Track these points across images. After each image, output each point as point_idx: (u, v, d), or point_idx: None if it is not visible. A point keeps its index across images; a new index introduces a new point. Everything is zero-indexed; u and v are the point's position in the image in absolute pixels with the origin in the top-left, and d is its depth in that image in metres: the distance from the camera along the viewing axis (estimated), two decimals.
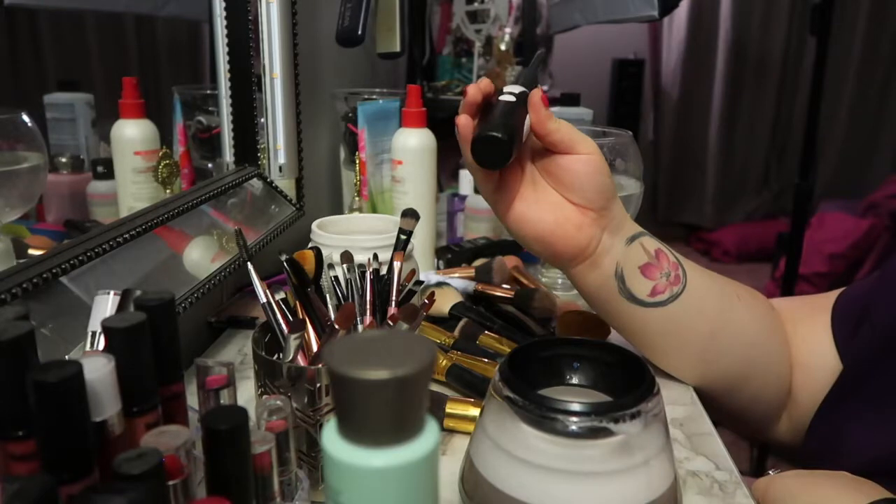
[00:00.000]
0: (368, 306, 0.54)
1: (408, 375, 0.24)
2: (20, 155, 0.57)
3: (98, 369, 0.29)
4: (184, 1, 0.84)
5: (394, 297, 0.55)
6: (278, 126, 0.85)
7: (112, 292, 0.38)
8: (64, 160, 0.67)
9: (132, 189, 0.70)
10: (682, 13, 3.66)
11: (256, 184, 0.85)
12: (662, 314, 0.60)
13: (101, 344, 0.37)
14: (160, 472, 0.26)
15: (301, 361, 0.50)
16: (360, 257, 0.58)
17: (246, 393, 0.57)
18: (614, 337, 0.69)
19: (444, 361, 0.64)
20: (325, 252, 0.55)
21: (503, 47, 1.86)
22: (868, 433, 0.55)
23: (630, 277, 0.59)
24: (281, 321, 0.49)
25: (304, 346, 0.50)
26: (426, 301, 0.54)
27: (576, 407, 0.42)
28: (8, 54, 0.60)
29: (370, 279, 0.55)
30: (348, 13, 0.89)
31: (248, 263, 0.50)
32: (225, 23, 0.79)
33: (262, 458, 0.33)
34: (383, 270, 0.57)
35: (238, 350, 0.72)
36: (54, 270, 0.47)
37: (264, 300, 0.49)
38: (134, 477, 0.25)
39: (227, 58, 0.80)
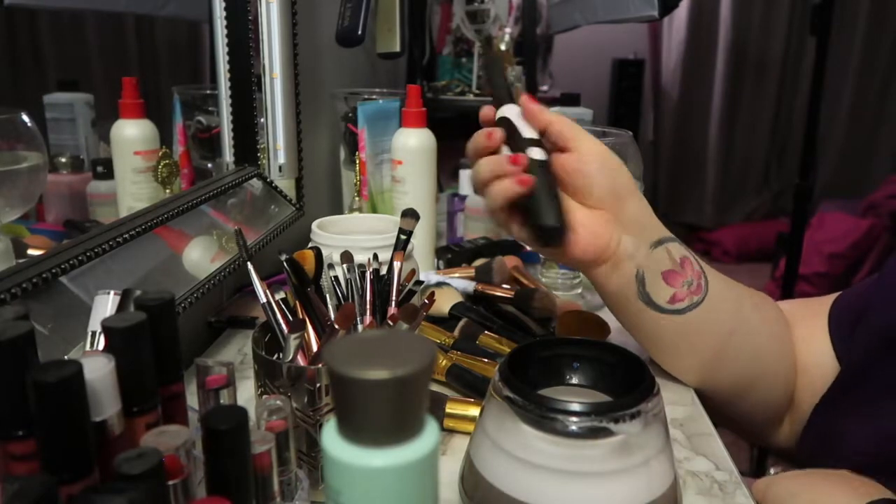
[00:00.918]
0: (368, 306, 0.54)
1: (408, 375, 0.24)
2: (20, 155, 0.57)
3: (98, 369, 0.29)
4: (184, 1, 0.84)
5: (394, 297, 0.55)
6: (278, 126, 0.85)
7: (112, 292, 0.38)
8: (64, 160, 0.67)
9: (132, 189, 0.70)
10: (682, 13, 3.66)
11: (256, 184, 0.85)
12: (678, 320, 0.59)
13: (101, 344, 0.37)
14: (160, 472, 0.26)
15: (301, 361, 0.50)
16: (360, 257, 0.58)
17: (246, 393, 0.57)
18: (614, 337, 0.69)
19: (444, 361, 0.64)
20: (325, 252, 0.55)
21: (503, 47, 1.86)
22: (865, 432, 0.55)
23: (651, 283, 0.58)
24: (281, 321, 0.49)
25: (304, 346, 0.50)
26: (426, 301, 0.54)
27: (576, 407, 0.42)
28: (8, 54, 0.60)
29: (370, 279, 0.55)
30: (348, 13, 0.89)
31: (248, 263, 0.50)
32: (225, 23, 0.79)
33: (262, 458, 0.33)
34: (383, 270, 0.57)
35: (238, 350, 0.72)
36: (54, 270, 0.47)
37: (264, 300, 0.49)
38: (134, 477, 0.25)
39: (227, 58, 0.80)
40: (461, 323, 0.72)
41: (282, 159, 0.86)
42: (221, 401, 0.36)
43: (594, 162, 0.56)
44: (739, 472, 0.53)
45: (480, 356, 0.65)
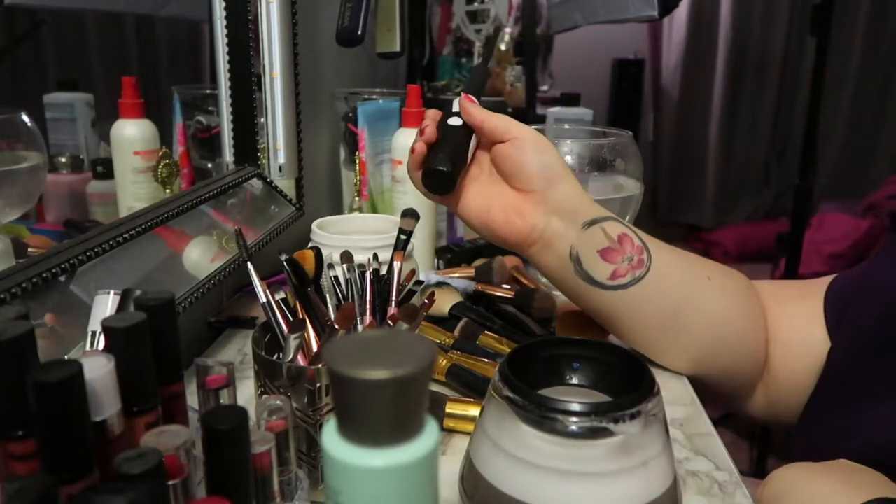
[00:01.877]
0: (368, 306, 0.54)
1: (408, 375, 0.24)
2: (20, 155, 0.57)
3: (98, 369, 0.29)
4: (184, 1, 0.84)
5: (394, 297, 0.55)
6: (278, 126, 0.85)
7: (112, 292, 0.38)
8: (63, 160, 0.67)
9: (132, 189, 0.70)
10: (682, 13, 3.66)
11: (256, 184, 0.85)
12: (623, 295, 0.61)
13: (101, 344, 0.37)
14: (160, 472, 0.26)
15: (301, 361, 0.50)
16: (360, 257, 0.58)
17: (246, 393, 0.57)
18: (614, 337, 0.69)
19: (444, 361, 0.64)
20: (325, 252, 0.55)
21: (503, 47, 1.86)
22: (858, 425, 0.55)
23: (588, 261, 0.61)
24: (281, 321, 0.49)
25: (304, 346, 0.50)
26: (426, 301, 0.54)
27: (575, 407, 0.42)
28: (8, 54, 0.60)
29: (370, 279, 0.55)
30: (348, 13, 0.89)
31: (248, 263, 0.50)
32: (225, 23, 0.79)
33: (262, 458, 0.33)
34: (383, 270, 0.57)
35: (238, 350, 0.72)
36: (54, 270, 0.47)
37: (264, 300, 0.49)
38: (134, 477, 0.25)
39: (227, 58, 0.80)
40: (461, 323, 0.72)
41: (282, 159, 0.86)
42: (221, 401, 0.36)
43: (524, 146, 0.60)
44: (739, 472, 0.53)
45: (480, 356, 0.65)
